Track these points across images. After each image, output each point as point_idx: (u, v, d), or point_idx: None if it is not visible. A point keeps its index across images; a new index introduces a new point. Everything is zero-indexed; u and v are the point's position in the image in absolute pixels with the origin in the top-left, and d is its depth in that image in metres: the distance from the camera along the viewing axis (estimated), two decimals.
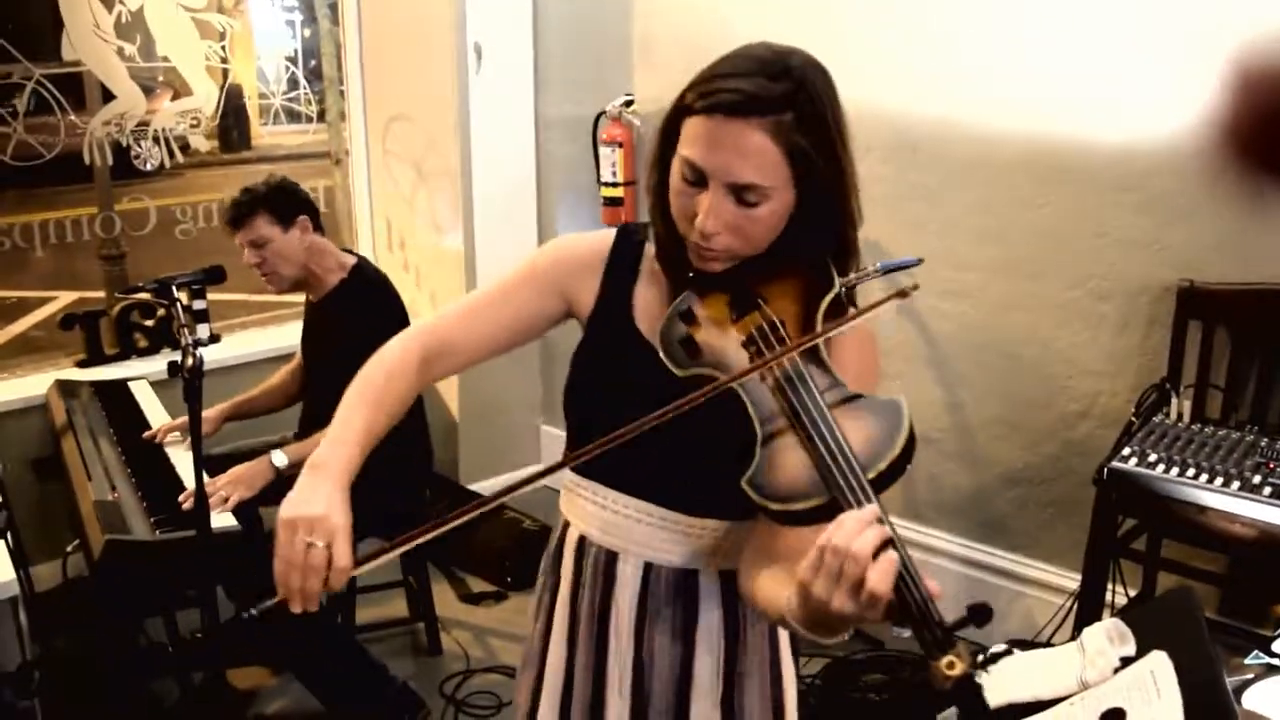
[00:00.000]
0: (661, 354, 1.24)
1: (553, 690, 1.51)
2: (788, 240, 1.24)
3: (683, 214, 1.24)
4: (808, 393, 1.09)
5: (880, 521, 0.98)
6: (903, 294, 1.19)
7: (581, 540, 1.47)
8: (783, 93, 1.16)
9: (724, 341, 1.22)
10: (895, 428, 1.05)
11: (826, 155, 1.19)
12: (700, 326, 1.24)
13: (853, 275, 1.25)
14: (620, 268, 1.41)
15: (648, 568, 1.40)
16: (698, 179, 1.20)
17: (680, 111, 1.23)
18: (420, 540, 1.14)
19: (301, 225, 2.90)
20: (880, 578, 0.94)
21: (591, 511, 1.44)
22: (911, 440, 1.04)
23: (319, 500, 1.18)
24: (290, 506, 1.18)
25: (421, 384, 1.40)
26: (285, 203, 2.89)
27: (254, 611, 1.17)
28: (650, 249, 1.37)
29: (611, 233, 1.44)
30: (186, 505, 2.60)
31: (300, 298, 3.16)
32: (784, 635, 1.46)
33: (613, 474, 1.40)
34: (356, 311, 2.94)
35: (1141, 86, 2.70)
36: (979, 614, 0.94)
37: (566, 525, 1.51)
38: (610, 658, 1.44)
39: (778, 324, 1.20)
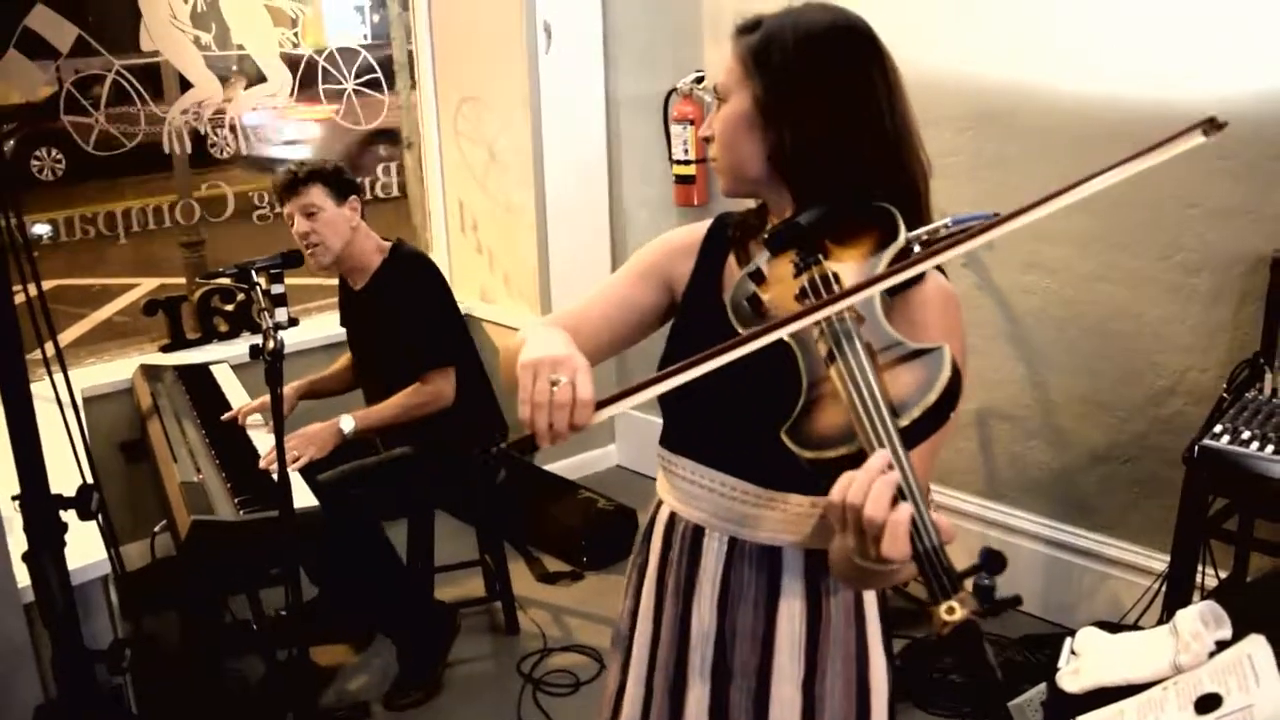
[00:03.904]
0: (730, 314, 1.24)
1: (639, 670, 1.52)
2: (792, 170, 1.31)
3: None
4: (849, 343, 1.07)
5: (891, 467, 0.96)
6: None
7: (672, 517, 1.49)
8: (762, 20, 1.32)
9: (785, 298, 1.21)
10: (934, 375, 1.02)
11: (784, 77, 1.28)
12: (768, 285, 1.25)
13: (920, 230, 1.23)
14: (714, 248, 1.46)
15: (732, 542, 1.41)
16: None
17: None
18: (672, 381, 1.12)
19: (352, 205, 3.03)
20: (892, 542, 0.93)
21: (681, 486, 1.45)
22: (951, 388, 1.02)
23: (557, 344, 1.17)
24: (529, 352, 1.15)
25: None
26: (340, 180, 3.02)
27: (503, 446, 1.20)
28: None
29: (710, 220, 1.50)
30: (264, 465, 2.70)
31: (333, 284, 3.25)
32: (872, 623, 1.44)
33: (698, 447, 1.42)
34: (403, 285, 3.05)
35: (1235, 50, 2.60)
36: (992, 561, 0.91)
37: (659, 505, 1.53)
38: (693, 636, 1.44)
39: (831, 276, 1.19)
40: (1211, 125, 1.08)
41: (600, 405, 1.12)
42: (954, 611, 0.87)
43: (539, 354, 1.14)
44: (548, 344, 1.17)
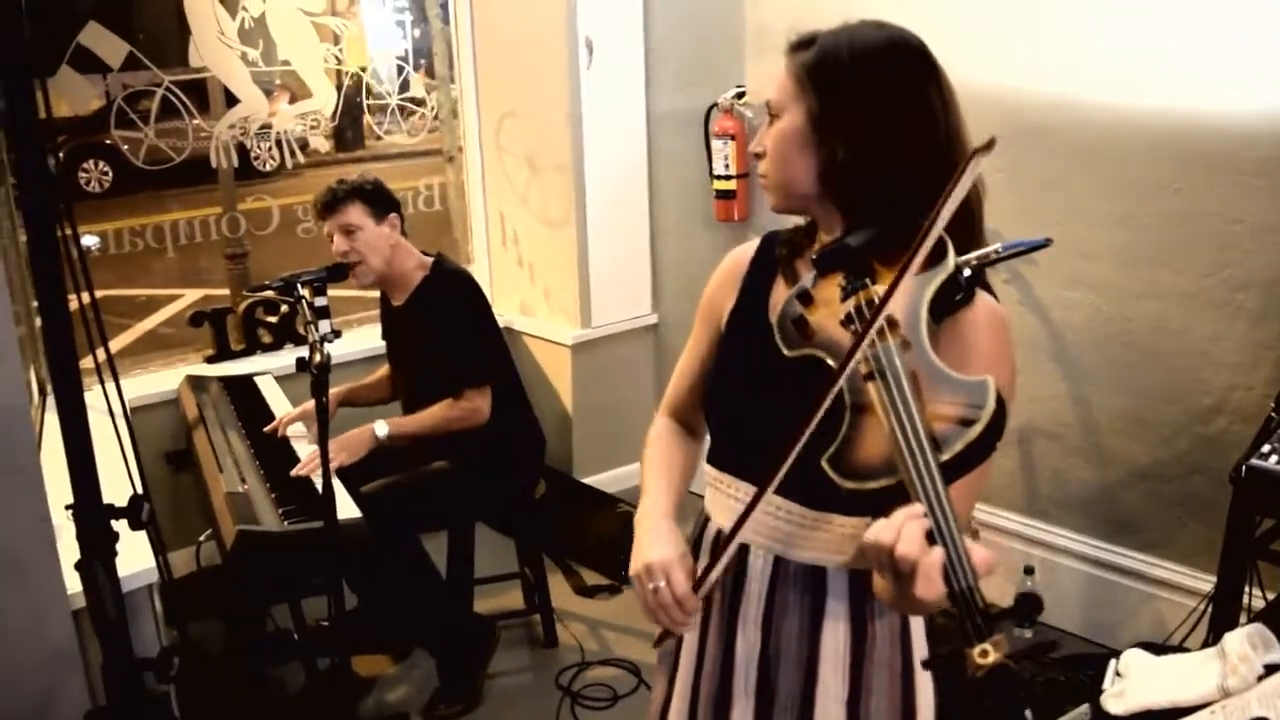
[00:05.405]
0: (776, 335, 1.25)
1: (684, 686, 1.53)
2: (844, 188, 1.30)
3: None
4: (893, 371, 1.07)
5: (924, 512, 0.99)
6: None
7: (718, 534, 1.49)
8: (816, 37, 1.32)
9: (831, 321, 1.22)
10: (978, 409, 1.02)
11: (840, 93, 1.28)
12: (815, 306, 1.25)
13: (970, 255, 1.22)
14: (760, 269, 1.47)
15: (777, 561, 1.41)
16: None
17: None
18: (739, 537, 1.28)
19: (391, 222, 3.05)
20: (925, 583, 0.96)
21: (727, 504, 1.46)
22: (995, 422, 1.02)
23: (642, 549, 1.38)
24: (632, 565, 1.38)
25: (694, 438, 1.62)
26: (379, 198, 3.04)
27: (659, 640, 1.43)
28: None
29: (757, 241, 1.51)
30: (296, 471, 2.74)
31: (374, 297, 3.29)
32: (918, 644, 1.44)
33: (744, 467, 1.42)
34: (443, 302, 3.07)
35: (1275, 67, 2.58)
36: (1027, 605, 0.93)
37: (706, 521, 1.53)
38: (738, 652, 1.45)
39: (876, 301, 1.18)
40: (986, 147, 1.08)
41: (697, 587, 1.33)
42: (988, 655, 0.87)
43: (634, 568, 1.37)
44: (637, 551, 1.39)
